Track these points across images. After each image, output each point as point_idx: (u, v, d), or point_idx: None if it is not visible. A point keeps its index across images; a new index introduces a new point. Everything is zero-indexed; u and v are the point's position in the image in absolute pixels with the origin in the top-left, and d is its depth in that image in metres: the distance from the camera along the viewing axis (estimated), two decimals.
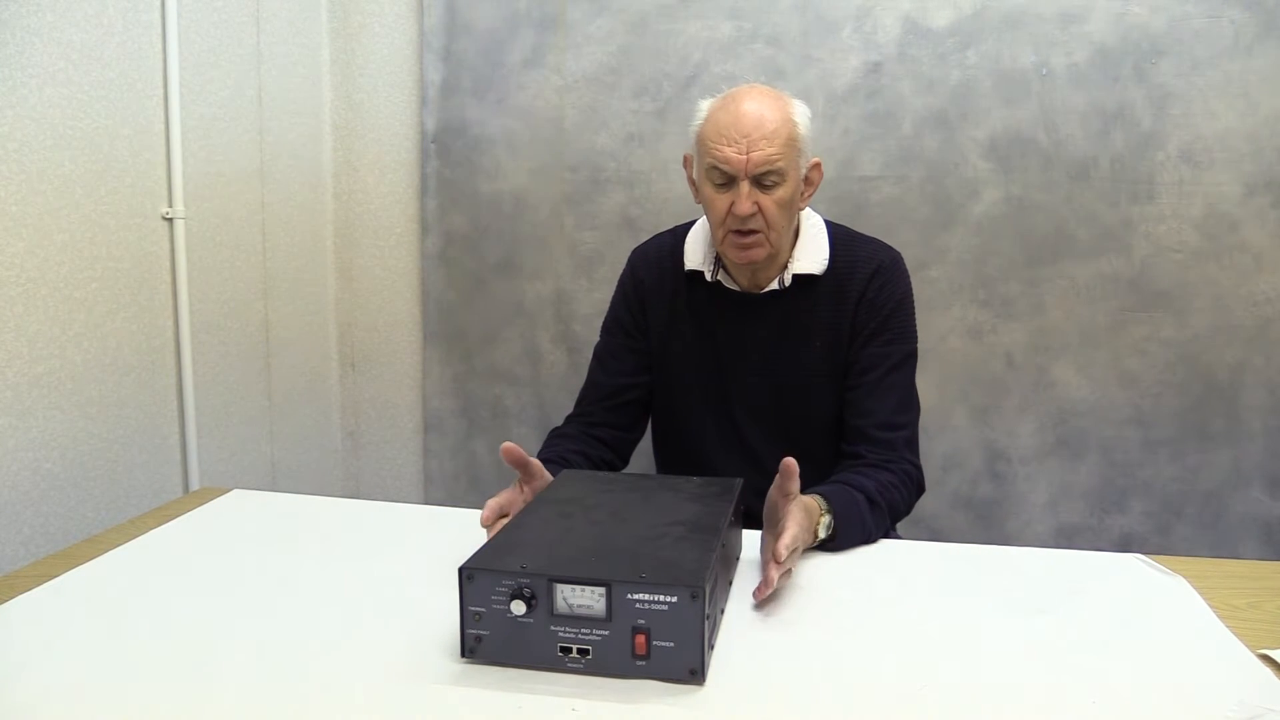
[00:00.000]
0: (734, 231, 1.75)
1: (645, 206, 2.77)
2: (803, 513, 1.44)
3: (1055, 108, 2.58)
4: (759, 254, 1.77)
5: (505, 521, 1.47)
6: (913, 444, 1.83)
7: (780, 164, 1.71)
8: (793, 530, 1.38)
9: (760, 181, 1.71)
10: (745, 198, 1.70)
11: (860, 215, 2.64)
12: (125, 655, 1.20)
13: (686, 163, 1.90)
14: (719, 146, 1.71)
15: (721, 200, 1.74)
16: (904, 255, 1.92)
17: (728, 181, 1.73)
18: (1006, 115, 2.60)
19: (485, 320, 2.92)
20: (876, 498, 1.65)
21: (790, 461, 1.42)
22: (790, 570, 1.40)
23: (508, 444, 1.52)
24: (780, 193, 1.73)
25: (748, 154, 1.69)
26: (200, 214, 2.36)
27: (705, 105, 1.80)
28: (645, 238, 2.07)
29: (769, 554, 1.37)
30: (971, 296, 2.67)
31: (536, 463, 1.57)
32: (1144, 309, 2.61)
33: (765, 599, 1.35)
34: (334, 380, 3.04)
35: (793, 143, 1.73)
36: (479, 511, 1.50)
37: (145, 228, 2.19)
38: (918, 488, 1.80)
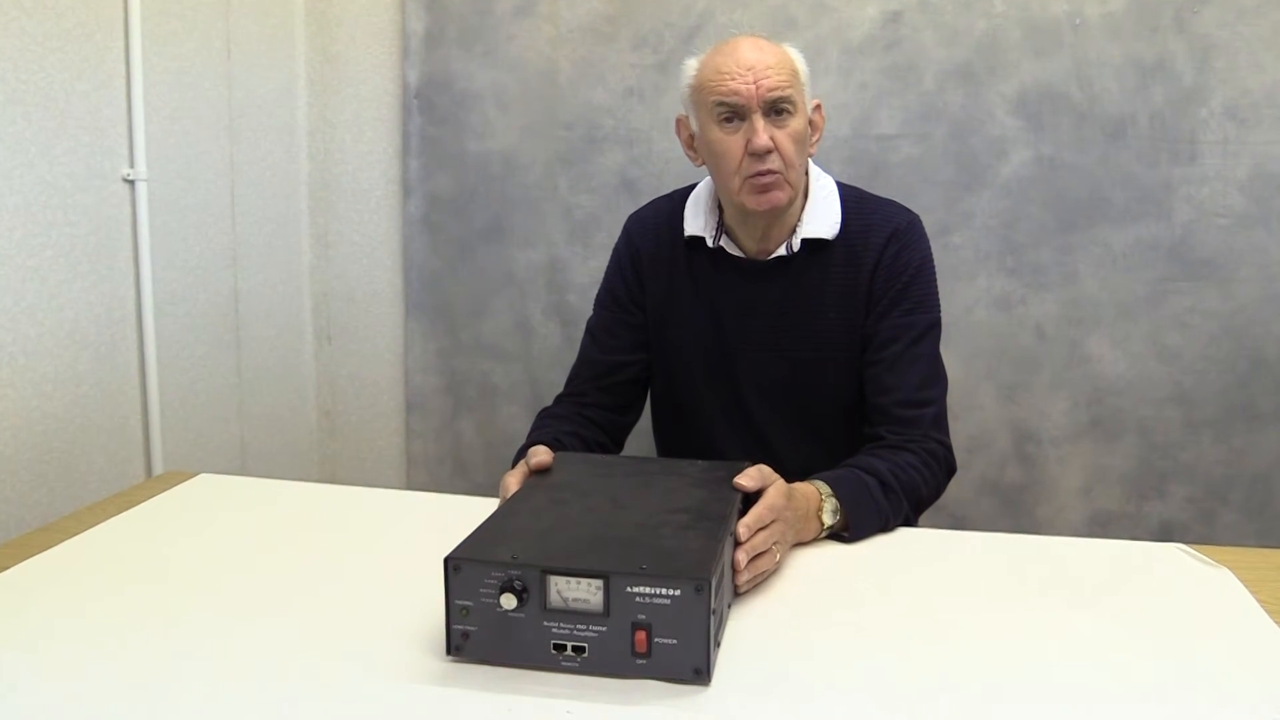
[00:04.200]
0: (751, 176, 1.75)
1: (646, 167, 2.75)
2: (779, 495, 1.44)
3: (1089, 60, 2.56)
4: (780, 196, 1.77)
5: None
6: (940, 421, 1.82)
7: (790, 92, 1.74)
8: (756, 511, 1.39)
9: (773, 110, 1.73)
10: (761, 130, 1.72)
11: (878, 177, 2.63)
12: (84, 652, 1.19)
13: (679, 126, 1.90)
14: (723, 82, 1.73)
15: (734, 141, 1.75)
16: (926, 220, 1.92)
17: (738, 120, 1.74)
18: (1036, 68, 2.58)
19: (472, 291, 2.91)
20: (890, 480, 1.64)
21: (736, 483, 1.44)
22: (772, 553, 1.39)
23: (538, 460, 1.53)
24: (794, 125, 1.75)
25: (756, 83, 1.71)
26: (164, 175, 2.35)
27: (693, 60, 1.84)
28: (646, 201, 2.07)
29: None
30: (999, 265, 2.66)
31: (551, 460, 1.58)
32: (1186, 278, 2.59)
33: (745, 585, 1.36)
34: (308, 355, 3.04)
35: (795, 75, 1.77)
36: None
37: (104, 190, 2.18)
38: (946, 468, 1.79)
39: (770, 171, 1.74)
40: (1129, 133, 2.57)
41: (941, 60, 2.61)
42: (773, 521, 1.40)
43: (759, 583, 1.39)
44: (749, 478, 1.44)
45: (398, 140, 2.92)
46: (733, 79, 1.72)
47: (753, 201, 1.77)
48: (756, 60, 1.72)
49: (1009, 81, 2.60)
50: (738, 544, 1.33)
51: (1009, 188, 2.63)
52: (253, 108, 2.71)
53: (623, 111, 2.76)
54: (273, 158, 2.82)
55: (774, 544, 1.39)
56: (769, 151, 1.72)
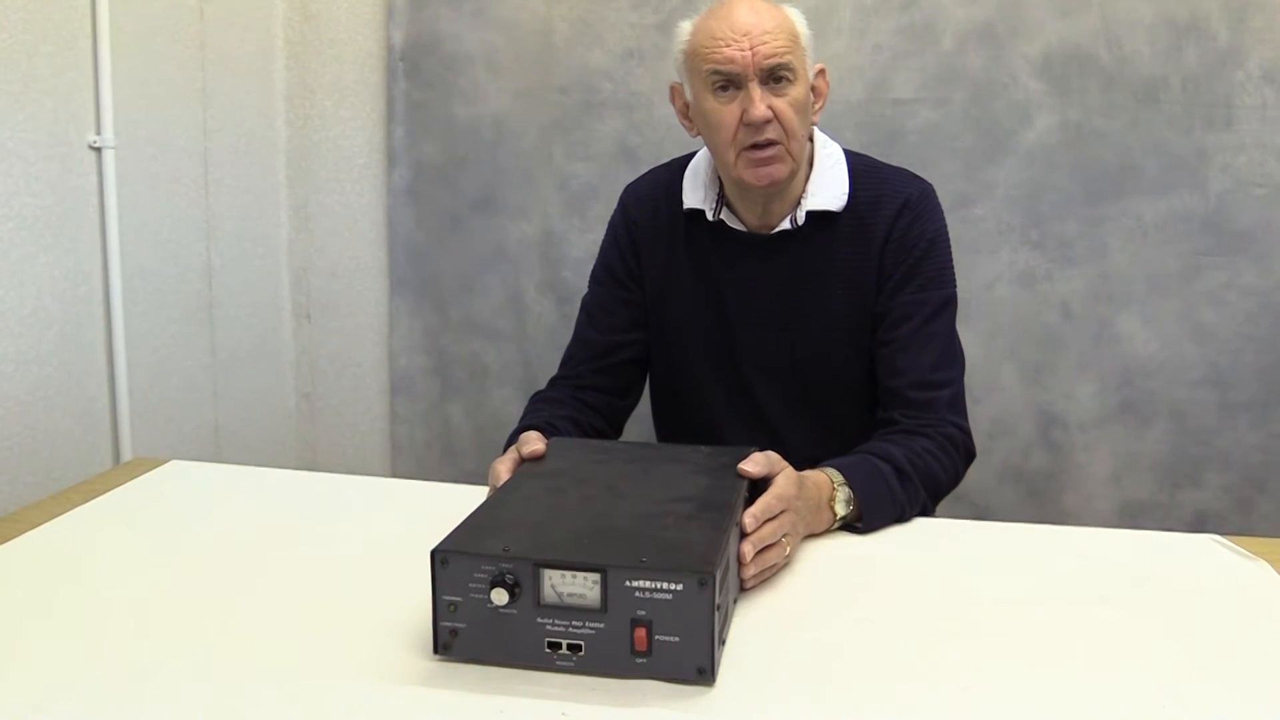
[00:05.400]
0: (748, 149, 1.74)
1: (646, 134, 2.74)
2: (789, 483, 1.44)
3: (1118, 19, 2.54)
4: (780, 170, 1.76)
5: None
6: (957, 403, 1.82)
7: (789, 59, 1.72)
8: (764, 501, 1.38)
9: (771, 77, 1.72)
10: (758, 100, 1.70)
11: (893, 144, 2.62)
12: (48, 651, 1.19)
13: (673, 95, 1.89)
14: (717, 49, 1.71)
15: (729, 111, 1.73)
16: (944, 190, 1.91)
17: (732, 87, 1.73)
18: (1063, 28, 2.57)
19: (461, 265, 2.91)
20: (906, 467, 1.64)
21: (750, 468, 1.43)
22: (781, 546, 1.39)
23: (530, 448, 1.52)
24: (794, 93, 1.73)
25: (752, 49, 1.70)
26: (132, 143, 2.33)
27: (686, 24, 1.82)
28: (646, 170, 2.07)
29: None
30: (1023, 238, 2.65)
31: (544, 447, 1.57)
32: (1222, 252, 2.59)
33: (752, 581, 1.35)
34: (287, 334, 3.03)
35: (795, 39, 1.75)
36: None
37: (69, 159, 2.17)
38: (965, 454, 1.79)
39: (769, 143, 1.73)
40: (1161, 97, 2.56)
41: (961, 20, 2.60)
42: (782, 512, 1.39)
43: (767, 578, 1.38)
44: (754, 463, 1.44)
45: (382, 105, 2.91)
46: (727, 45, 1.71)
47: (750, 176, 1.77)
48: (753, 24, 1.70)
49: (1033, 42, 2.58)
50: (744, 535, 1.33)
51: (1033, 156, 2.62)
52: (227, 71, 2.70)
53: (622, 74, 2.74)
54: (249, 124, 2.81)
55: (783, 536, 1.39)
56: (767, 122, 1.72)
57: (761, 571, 1.36)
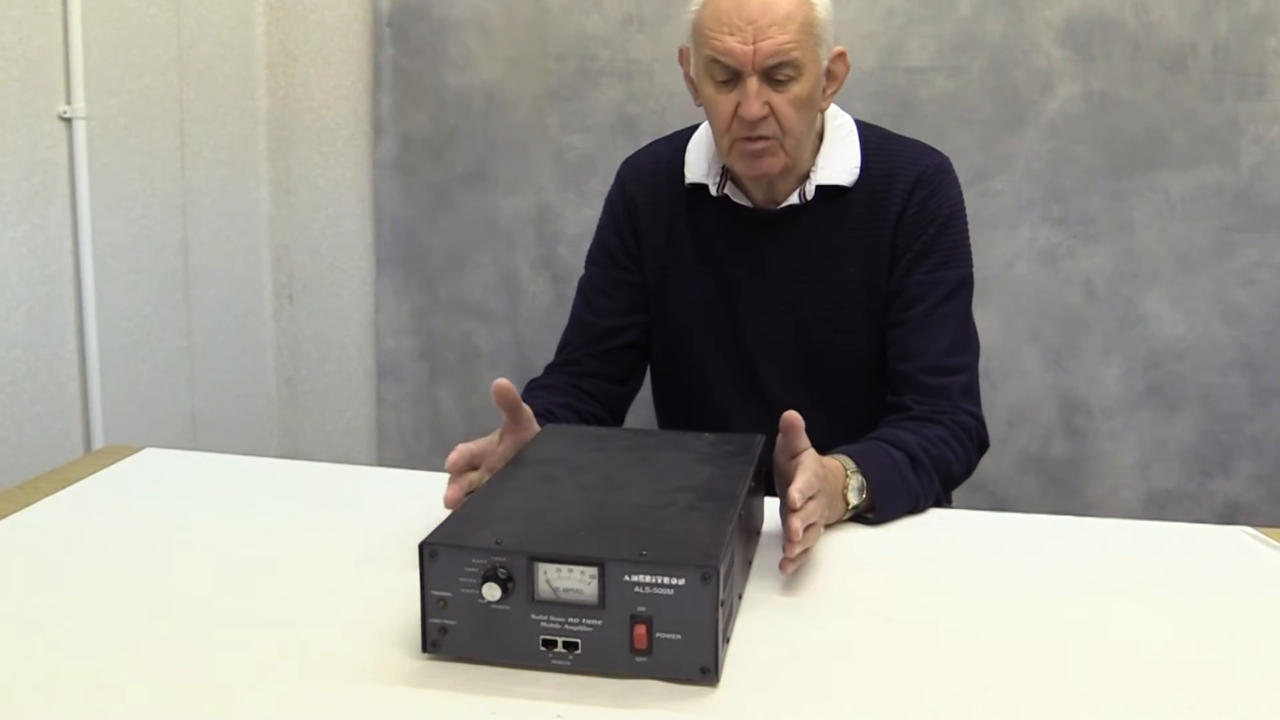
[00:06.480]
0: (742, 139, 1.73)
1: (646, 104, 2.74)
2: (817, 463, 1.42)
3: None
4: (773, 165, 1.75)
5: (476, 475, 1.49)
6: (971, 390, 1.82)
7: (795, 54, 1.68)
8: (804, 476, 1.35)
9: (771, 76, 1.69)
10: (754, 97, 1.68)
11: (908, 115, 2.62)
12: (15, 647, 1.19)
13: (682, 57, 1.88)
14: (719, 35, 1.68)
15: (725, 102, 1.72)
16: (961, 163, 1.90)
17: (731, 78, 1.71)
18: None
19: (451, 242, 2.91)
20: (920, 456, 1.63)
21: (791, 415, 1.41)
22: (816, 526, 1.37)
23: (501, 381, 1.49)
24: (797, 89, 1.70)
25: (754, 43, 1.66)
26: (105, 113, 2.33)
27: None
28: (646, 141, 2.06)
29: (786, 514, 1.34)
30: (1043, 213, 2.65)
31: (529, 411, 1.55)
32: (1253, 228, 2.58)
33: (796, 564, 1.33)
34: (267, 316, 3.03)
35: (809, 29, 1.70)
36: (442, 474, 1.49)
37: (38, 130, 2.16)
38: (978, 443, 1.79)
39: (763, 138, 1.72)
40: (1190, 65, 2.55)
41: None
42: (818, 492, 1.38)
43: (804, 562, 1.37)
44: (795, 426, 1.42)
45: (367, 74, 2.90)
46: (730, 34, 1.67)
47: (742, 167, 1.77)
48: (760, 14, 1.66)
49: (1055, 7, 2.58)
50: (790, 511, 1.31)
51: (1055, 127, 2.62)
52: (205, 37, 2.69)
53: (621, 41, 2.74)
54: (227, 93, 2.81)
55: (817, 519, 1.38)
56: (761, 120, 1.70)
57: (803, 554, 1.33)
